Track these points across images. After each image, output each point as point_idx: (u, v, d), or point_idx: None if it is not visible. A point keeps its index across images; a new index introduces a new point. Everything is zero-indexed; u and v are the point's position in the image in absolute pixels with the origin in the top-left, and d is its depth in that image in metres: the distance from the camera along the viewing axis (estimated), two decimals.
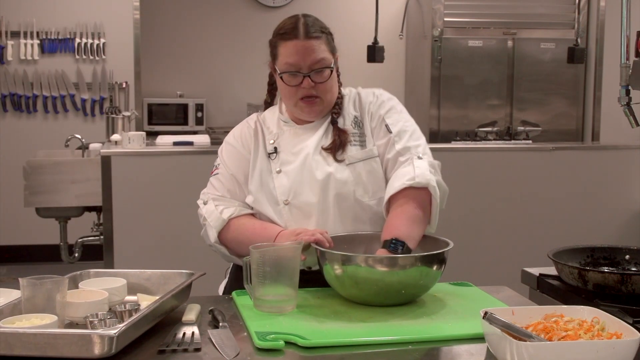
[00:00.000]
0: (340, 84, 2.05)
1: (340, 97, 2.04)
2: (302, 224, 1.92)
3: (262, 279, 1.66)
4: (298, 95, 1.95)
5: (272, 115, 2.07)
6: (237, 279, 2.00)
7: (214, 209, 1.97)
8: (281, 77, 1.95)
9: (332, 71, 1.95)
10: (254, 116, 2.10)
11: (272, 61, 2.01)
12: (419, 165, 1.92)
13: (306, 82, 1.93)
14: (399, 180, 1.90)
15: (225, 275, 2.18)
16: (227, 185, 2.01)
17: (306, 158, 1.96)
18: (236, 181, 2.01)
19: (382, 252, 1.78)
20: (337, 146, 1.96)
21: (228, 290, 2.02)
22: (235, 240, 1.95)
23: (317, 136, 1.99)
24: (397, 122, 2.00)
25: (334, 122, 2.00)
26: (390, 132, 1.98)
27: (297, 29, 1.93)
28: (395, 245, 1.78)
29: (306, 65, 1.92)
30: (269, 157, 2.00)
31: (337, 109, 2.02)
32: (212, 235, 1.96)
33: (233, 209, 1.98)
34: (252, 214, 1.99)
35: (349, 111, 2.03)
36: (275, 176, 1.96)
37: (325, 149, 1.97)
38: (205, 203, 2.01)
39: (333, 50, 1.98)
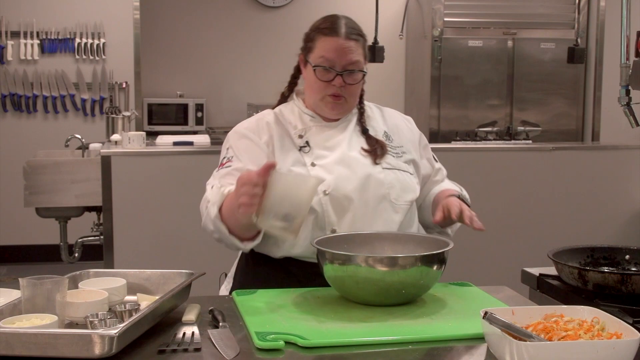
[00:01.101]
0: (362, 92, 2.09)
1: (362, 105, 2.09)
2: (340, 215, 1.93)
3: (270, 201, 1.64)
4: (327, 91, 1.98)
5: (290, 110, 2.07)
6: (242, 284, 1.99)
7: (217, 190, 1.90)
8: (314, 70, 1.97)
9: (363, 75, 2.00)
10: (269, 112, 2.09)
11: (304, 54, 2.02)
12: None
13: (338, 80, 1.96)
14: (449, 186, 2.14)
15: (220, 281, 2.15)
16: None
17: (343, 154, 1.98)
18: None
19: (451, 198, 1.92)
20: (377, 152, 2.01)
21: None
22: (226, 215, 1.85)
23: (348, 134, 2.02)
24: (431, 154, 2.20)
25: (365, 131, 2.05)
26: (437, 161, 2.20)
27: (340, 27, 1.97)
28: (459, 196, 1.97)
29: (341, 64, 1.96)
30: (301, 150, 1.99)
31: (363, 117, 2.07)
32: (213, 212, 1.85)
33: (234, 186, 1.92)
34: None
35: (379, 124, 2.09)
36: (310, 169, 1.96)
37: (366, 151, 2.00)
38: (212, 187, 1.94)
39: (366, 57, 2.03)
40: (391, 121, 2.13)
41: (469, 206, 1.95)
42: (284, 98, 2.13)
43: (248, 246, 1.88)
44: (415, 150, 2.11)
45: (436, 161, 2.21)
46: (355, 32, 1.99)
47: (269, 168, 1.65)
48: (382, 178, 1.97)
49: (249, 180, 1.65)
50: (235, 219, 1.80)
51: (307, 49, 2.02)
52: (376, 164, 1.99)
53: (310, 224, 1.92)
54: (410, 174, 2.05)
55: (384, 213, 1.97)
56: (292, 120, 2.04)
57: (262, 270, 1.99)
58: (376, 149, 2.01)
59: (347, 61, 1.96)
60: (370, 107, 2.13)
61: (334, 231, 1.91)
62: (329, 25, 1.98)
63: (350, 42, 1.96)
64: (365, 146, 2.01)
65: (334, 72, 1.96)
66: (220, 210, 1.85)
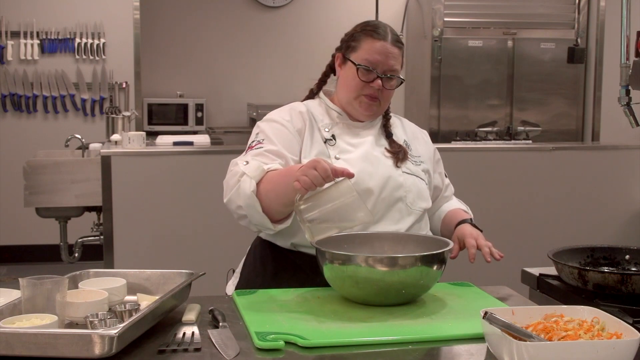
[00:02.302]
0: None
1: (389, 111, 2.14)
2: None
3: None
4: (364, 91, 2.01)
5: (317, 106, 2.10)
6: (248, 282, 2.00)
7: (257, 165, 1.86)
8: (357, 69, 2.00)
9: (401, 83, 2.03)
10: (299, 104, 2.11)
11: (345, 51, 2.06)
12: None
13: (377, 82, 2.00)
14: (457, 204, 2.22)
15: (228, 277, 2.17)
16: (275, 157, 1.93)
17: (367, 152, 2.01)
18: (283, 156, 1.95)
19: (466, 227, 2.02)
20: (400, 155, 2.04)
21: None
22: (265, 190, 1.81)
23: (373, 135, 2.06)
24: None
25: (389, 135, 2.09)
26: (446, 177, 2.26)
27: (387, 32, 2.03)
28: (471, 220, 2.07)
29: (383, 68, 2.00)
30: (326, 142, 2.01)
31: (388, 123, 2.11)
32: (250, 186, 1.81)
33: (277, 164, 1.91)
34: None
35: (400, 132, 2.14)
36: (334, 161, 1.97)
37: (390, 151, 2.04)
38: (246, 163, 1.88)
39: (403, 66, 2.07)
40: (410, 131, 2.19)
41: (476, 227, 2.04)
42: (312, 94, 2.16)
43: (277, 227, 1.87)
44: (430, 163, 2.15)
45: (446, 177, 2.26)
46: (399, 40, 2.05)
47: (346, 174, 1.70)
48: (401, 181, 2.01)
49: (324, 171, 1.67)
50: (276, 195, 1.79)
51: (349, 48, 2.05)
52: (397, 166, 2.03)
53: None
54: (426, 183, 2.09)
55: (398, 213, 1.99)
56: (319, 115, 2.07)
57: (270, 266, 2.00)
58: (399, 152, 2.05)
59: (389, 66, 2.01)
60: (393, 115, 2.18)
61: None
62: (376, 29, 2.03)
63: (395, 48, 2.02)
64: (389, 148, 2.05)
65: (375, 74, 2.00)
66: (257, 185, 1.82)
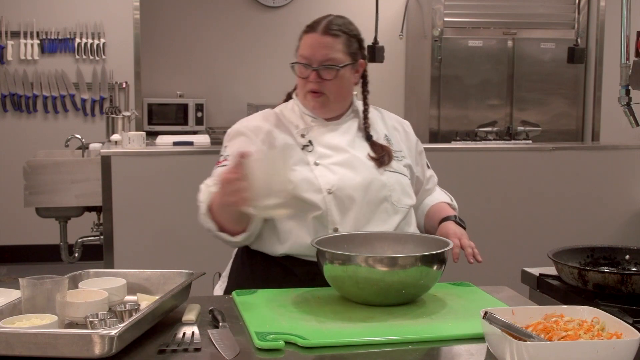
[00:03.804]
0: (367, 92, 2.11)
1: (366, 106, 2.09)
2: (343, 214, 1.94)
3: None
4: (307, 87, 2.00)
5: (290, 110, 2.08)
6: (238, 283, 1.99)
7: (206, 188, 1.94)
8: (292, 67, 2.00)
9: (338, 71, 1.98)
10: (270, 111, 2.10)
11: (295, 54, 2.05)
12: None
13: (312, 75, 1.98)
14: (440, 196, 2.20)
15: (214, 281, 2.15)
16: None
17: (348, 155, 1.99)
18: None
19: (450, 225, 1.98)
20: (384, 159, 2.02)
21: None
22: (215, 210, 1.89)
23: (351, 136, 2.04)
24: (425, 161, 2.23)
25: (369, 137, 2.05)
26: (429, 168, 2.23)
27: (319, 24, 1.99)
28: (455, 217, 2.04)
29: (316, 60, 1.97)
30: (304, 149, 2.00)
31: (366, 122, 2.07)
32: (202, 210, 1.91)
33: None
34: None
35: (380, 127, 2.10)
36: (314, 167, 1.97)
37: (373, 158, 2.01)
38: (205, 185, 1.97)
39: (353, 54, 2.02)
40: (390, 124, 2.15)
41: (460, 223, 2.01)
42: (289, 97, 2.14)
43: (238, 238, 1.91)
44: (411, 156, 2.13)
45: (429, 168, 2.23)
46: (336, 28, 1.99)
47: (242, 158, 1.68)
48: (384, 180, 1.99)
49: (228, 179, 1.70)
50: (225, 214, 1.85)
51: (296, 49, 2.04)
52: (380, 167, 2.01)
53: (313, 222, 1.93)
54: (409, 178, 2.07)
55: (384, 214, 1.98)
56: (294, 120, 2.05)
57: (260, 269, 1.99)
58: (383, 156, 2.02)
59: (322, 56, 1.97)
60: (371, 110, 2.13)
61: (336, 230, 1.92)
62: (311, 23, 2.01)
63: (326, 37, 1.97)
64: (372, 153, 2.02)
65: (311, 69, 1.97)
66: (210, 208, 1.89)
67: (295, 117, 2.06)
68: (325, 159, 1.98)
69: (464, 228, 2.01)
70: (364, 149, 2.03)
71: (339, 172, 1.96)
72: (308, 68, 1.98)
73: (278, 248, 1.96)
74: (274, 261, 1.97)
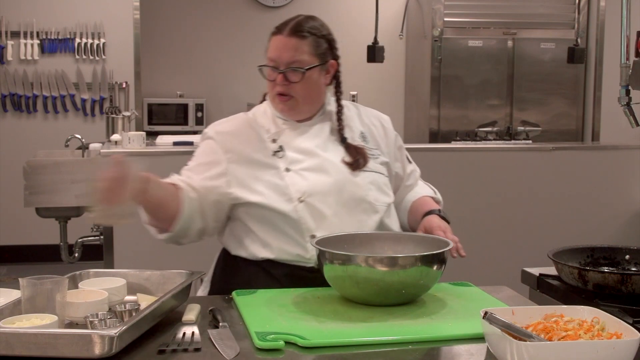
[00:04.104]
0: (340, 93, 2.07)
1: (340, 107, 2.05)
2: (318, 220, 1.91)
3: None
4: (274, 90, 1.98)
5: (263, 113, 2.05)
6: (220, 287, 1.98)
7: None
8: (260, 70, 1.98)
9: (304, 73, 1.94)
10: (243, 116, 2.07)
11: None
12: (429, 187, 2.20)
13: (279, 78, 1.95)
14: (424, 190, 2.15)
15: (197, 285, 2.11)
16: (183, 176, 2.03)
17: (319, 159, 1.96)
18: (196, 174, 2.01)
19: (433, 218, 1.93)
20: (360, 162, 1.99)
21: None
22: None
23: (323, 139, 2.00)
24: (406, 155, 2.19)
25: (343, 140, 2.01)
26: (411, 162, 2.19)
27: (286, 25, 1.96)
28: (439, 211, 2.00)
29: (283, 62, 1.95)
30: (275, 154, 1.97)
31: (340, 123, 2.03)
32: (143, 217, 1.96)
33: (175, 179, 2.00)
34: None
35: (355, 124, 2.07)
36: (285, 174, 1.94)
37: (348, 163, 1.98)
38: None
39: (322, 55, 1.98)
40: (368, 121, 2.11)
41: (444, 217, 1.98)
42: (264, 98, 2.11)
43: (161, 236, 1.97)
44: (389, 152, 2.09)
45: (410, 162, 2.19)
46: (303, 30, 1.95)
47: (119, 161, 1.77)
48: (358, 181, 1.96)
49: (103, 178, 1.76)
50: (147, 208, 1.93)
51: (265, 50, 2.02)
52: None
53: (288, 230, 1.91)
54: (386, 176, 2.04)
55: (363, 214, 1.96)
56: (265, 124, 2.02)
57: (244, 273, 1.96)
58: (358, 160, 1.99)
59: (287, 59, 1.94)
60: (347, 107, 2.09)
61: (313, 236, 1.88)
62: (279, 25, 1.98)
63: (292, 39, 1.94)
64: (347, 157, 1.99)
65: (278, 71, 1.95)
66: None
67: (267, 120, 2.03)
68: (296, 164, 1.95)
69: (448, 222, 1.97)
70: (338, 153, 1.99)
71: (310, 177, 1.93)
72: (275, 71, 1.95)
73: (259, 252, 1.94)
74: (256, 265, 1.95)
